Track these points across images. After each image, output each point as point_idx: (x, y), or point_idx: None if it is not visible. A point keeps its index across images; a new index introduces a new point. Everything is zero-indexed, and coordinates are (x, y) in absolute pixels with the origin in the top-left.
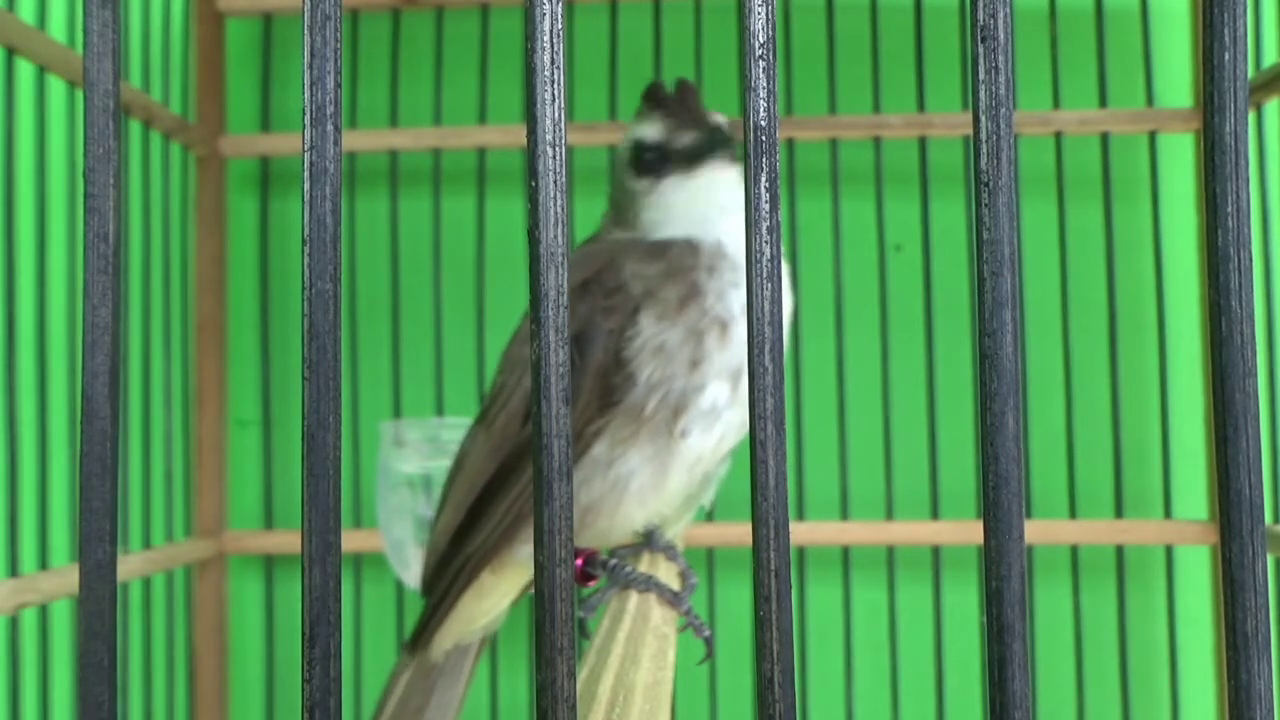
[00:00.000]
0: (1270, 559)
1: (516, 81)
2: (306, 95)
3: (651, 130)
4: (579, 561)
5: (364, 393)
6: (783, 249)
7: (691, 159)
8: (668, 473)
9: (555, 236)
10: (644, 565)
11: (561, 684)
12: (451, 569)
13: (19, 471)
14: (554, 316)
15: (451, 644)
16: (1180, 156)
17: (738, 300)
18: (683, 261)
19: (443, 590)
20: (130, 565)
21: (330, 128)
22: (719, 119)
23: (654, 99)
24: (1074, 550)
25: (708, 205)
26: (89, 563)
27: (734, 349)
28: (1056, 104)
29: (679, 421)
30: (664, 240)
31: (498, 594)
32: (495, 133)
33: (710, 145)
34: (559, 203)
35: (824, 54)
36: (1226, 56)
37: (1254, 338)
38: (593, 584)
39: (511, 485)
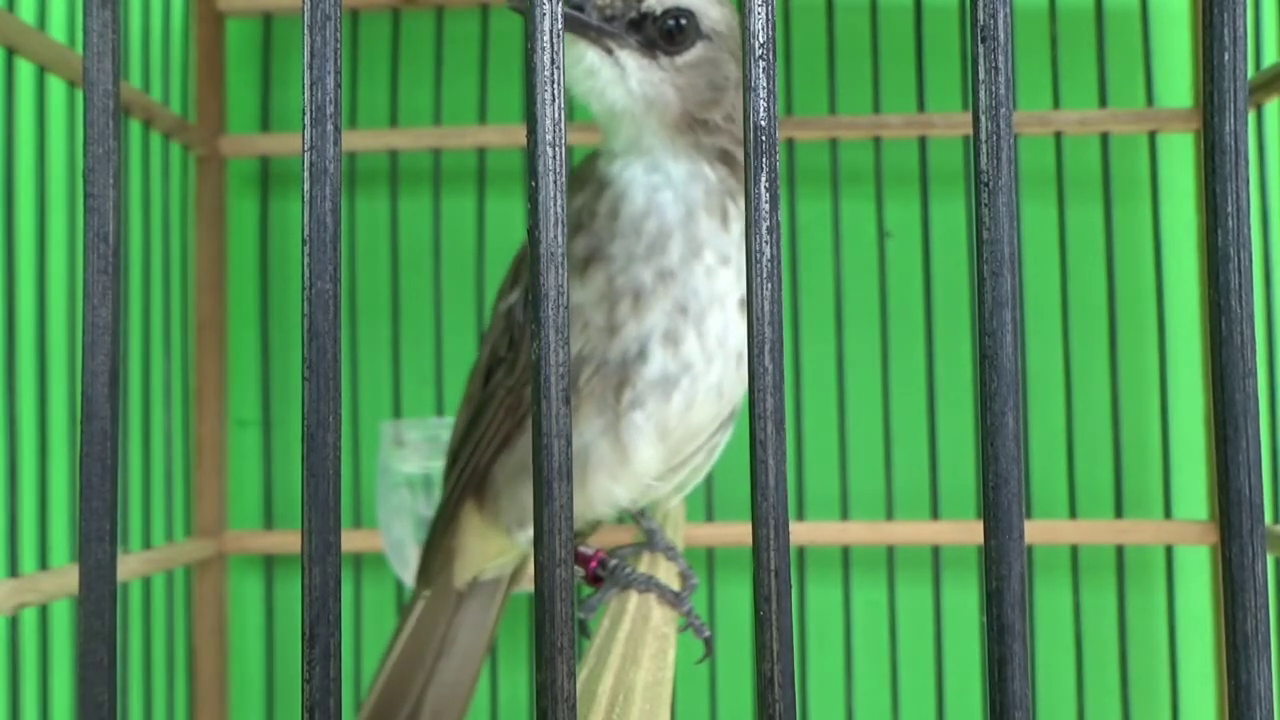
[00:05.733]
0: (1270, 559)
1: (516, 81)
2: (306, 95)
3: None
4: (592, 564)
5: (364, 393)
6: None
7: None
8: (628, 446)
9: (555, 236)
10: (644, 565)
11: (561, 684)
12: (449, 503)
13: (19, 471)
14: (554, 316)
15: (471, 575)
16: (1180, 156)
17: (648, 269)
18: (580, 216)
19: (443, 523)
20: (130, 565)
21: (330, 128)
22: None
23: None
24: (1074, 550)
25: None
26: (89, 563)
27: (650, 317)
28: (1056, 104)
29: (625, 394)
30: (580, 172)
31: (493, 545)
32: (495, 133)
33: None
34: (559, 203)
35: (824, 54)
36: (1226, 56)
37: (1254, 338)
38: (604, 585)
39: (470, 438)
